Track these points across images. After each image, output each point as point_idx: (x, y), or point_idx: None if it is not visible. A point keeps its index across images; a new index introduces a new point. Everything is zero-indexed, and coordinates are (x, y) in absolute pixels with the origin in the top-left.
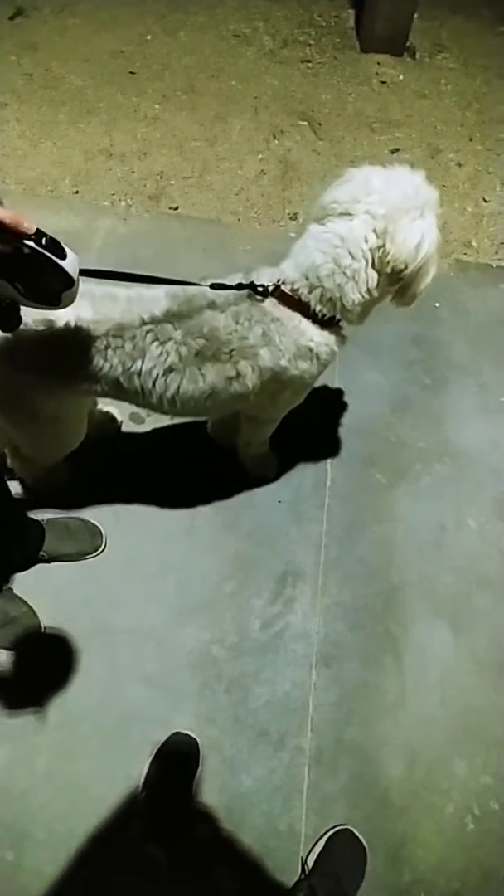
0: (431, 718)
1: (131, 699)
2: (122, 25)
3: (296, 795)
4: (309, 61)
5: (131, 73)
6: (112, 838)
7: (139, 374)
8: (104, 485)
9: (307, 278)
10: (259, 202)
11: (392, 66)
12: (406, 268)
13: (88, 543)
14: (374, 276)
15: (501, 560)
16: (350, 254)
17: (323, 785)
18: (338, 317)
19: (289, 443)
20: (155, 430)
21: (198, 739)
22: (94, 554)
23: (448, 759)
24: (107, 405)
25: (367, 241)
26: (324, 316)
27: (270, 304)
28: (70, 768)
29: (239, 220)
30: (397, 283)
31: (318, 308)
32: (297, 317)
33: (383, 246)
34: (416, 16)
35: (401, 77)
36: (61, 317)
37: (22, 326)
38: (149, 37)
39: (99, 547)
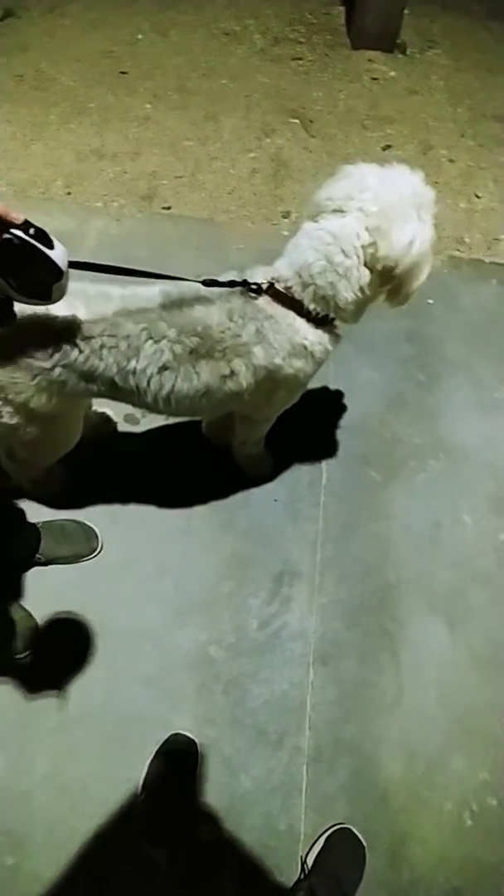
0: (429, 715)
1: (130, 700)
2: (113, 25)
3: (295, 795)
4: (300, 59)
5: (122, 73)
6: (112, 840)
7: (134, 372)
8: (99, 486)
9: (300, 276)
10: (251, 201)
11: (383, 62)
12: (396, 266)
13: (84, 546)
14: (366, 273)
15: (497, 555)
16: (342, 251)
17: (322, 784)
18: (331, 315)
19: (284, 441)
20: (150, 431)
21: (196, 740)
22: (90, 556)
23: (446, 755)
24: (101, 406)
25: (358, 237)
26: (318, 314)
27: (264, 301)
28: (69, 771)
29: (232, 218)
30: (389, 281)
31: (311, 306)
32: (291, 315)
33: (374, 243)
34: (406, 12)
35: (392, 73)
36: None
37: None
38: (139, 36)
39: (95, 549)
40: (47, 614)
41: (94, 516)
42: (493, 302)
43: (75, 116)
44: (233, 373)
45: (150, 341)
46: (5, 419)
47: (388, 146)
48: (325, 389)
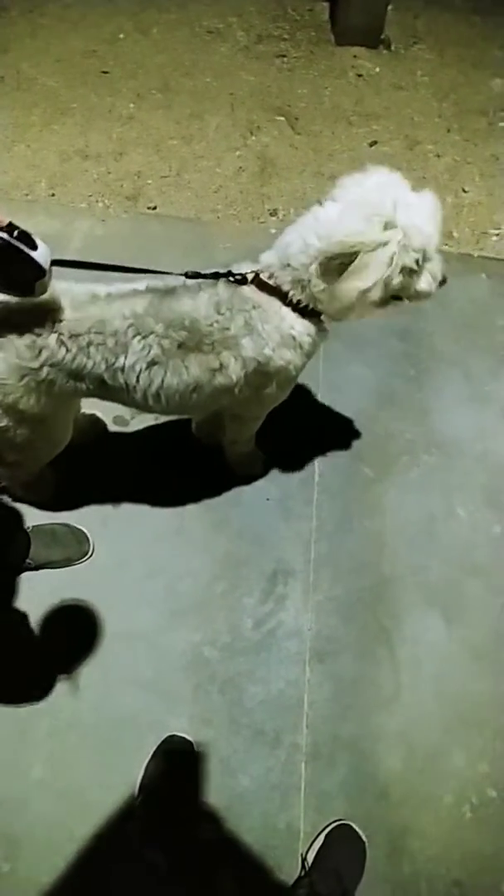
0: (427, 709)
1: (125, 703)
2: (94, 24)
3: (294, 793)
4: (284, 56)
5: (104, 72)
6: (109, 844)
7: (122, 369)
8: (90, 489)
9: (281, 260)
10: (238, 199)
11: (368, 58)
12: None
13: (75, 549)
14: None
15: (491, 548)
16: (317, 234)
17: (320, 781)
18: (310, 305)
19: (275, 439)
20: (139, 432)
21: (193, 741)
22: (81, 560)
23: (444, 749)
24: (90, 409)
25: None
26: (299, 302)
27: (250, 290)
28: (65, 775)
29: (218, 217)
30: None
31: (291, 292)
32: (277, 303)
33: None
34: (390, 7)
35: (377, 69)
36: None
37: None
38: (121, 35)
39: (86, 552)
40: (39, 619)
41: (84, 519)
42: (483, 295)
43: (58, 117)
44: (222, 366)
45: (138, 337)
46: None
47: (375, 142)
48: (315, 386)
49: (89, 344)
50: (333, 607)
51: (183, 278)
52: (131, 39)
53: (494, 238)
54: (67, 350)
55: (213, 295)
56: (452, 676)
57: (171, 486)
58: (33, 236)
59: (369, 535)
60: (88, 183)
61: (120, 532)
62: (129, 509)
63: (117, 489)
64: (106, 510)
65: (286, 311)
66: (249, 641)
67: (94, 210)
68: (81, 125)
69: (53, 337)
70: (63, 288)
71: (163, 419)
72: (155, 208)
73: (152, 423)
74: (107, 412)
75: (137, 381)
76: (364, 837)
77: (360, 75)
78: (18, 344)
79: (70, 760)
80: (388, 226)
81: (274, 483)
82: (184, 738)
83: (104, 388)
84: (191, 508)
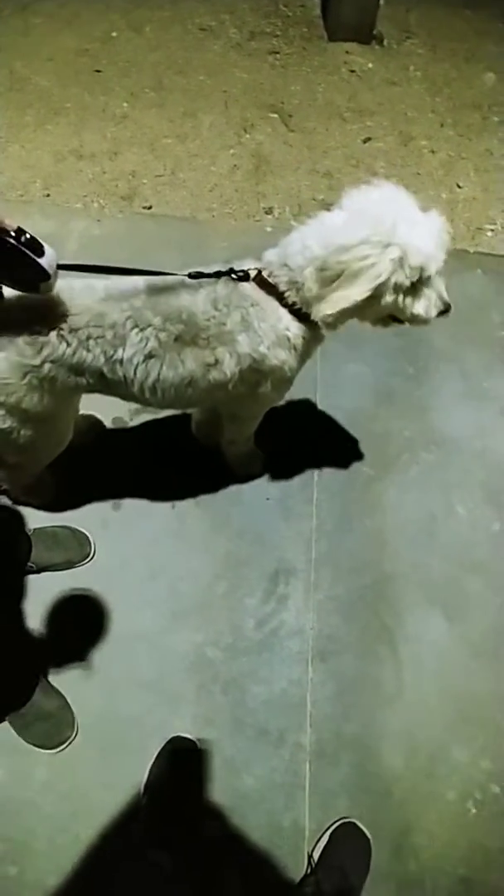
0: (429, 707)
1: (128, 705)
2: (86, 23)
3: (298, 792)
4: (277, 52)
5: (97, 71)
6: (115, 845)
7: (121, 362)
8: (90, 491)
9: (280, 259)
10: (233, 197)
11: (360, 54)
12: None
13: (77, 552)
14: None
15: (491, 545)
16: (317, 239)
17: (324, 780)
18: (303, 308)
19: (274, 439)
20: (139, 434)
21: (197, 741)
22: (83, 562)
23: (447, 746)
24: (88, 409)
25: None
26: (294, 304)
27: (250, 288)
28: (70, 778)
29: (214, 216)
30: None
31: (287, 292)
32: (275, 302)
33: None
34: (382, 2)
35: (370, 65)
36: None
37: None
38: (114, 34)
39: (88, 554)
40: (41, 622)
41: (85, 521)
42: (479, 291)
43: (52, 117)
44: (217, 361)
45: (136, 329)
46: None
47: (369, 138)
48: (313, 385)
49: (88, 337)
50: (335, 606)
51: (184, 277)
52: (124, 38)
53: (490, 234)
54: (68, 344)
55: (211, 291)
56: (454, 674)
57: (171, 486)
58: (41, 241)
59: (369, 534)
60: (83, 183)
61: (120, 533)
62: (129, 511)
63: (117, 491)
64: (106, 512)
65: (283, 311)
66: (252, 641)
67: (89, 210)
68: (75, 125)
69: (54, 332)
70: (62, 283)
71: (162, 416)
72: (150, 208)
73: (151, 423)
74: (106, 414)
75: (135, 373)
76: (369, 835)
77: (352, 71)
78: (19, 342)
79: (74, 762)
80: (383, 242)
81: (274, 483)
82: (188, 738)
83: (104, 382)
84: (191, 509)
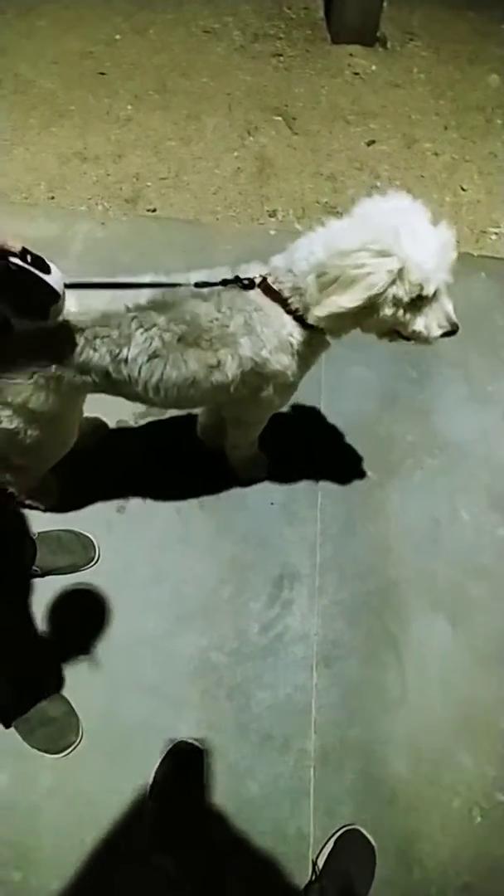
0: (434, 713)
1: (133, 709)
2: (90, 26)
3: (303, 798)
4: (280, 55)
5: (101, 73)
6: (119, 850)
7: (126, 361)
8: (94, 494)
9: (286, 265)
10: (237, 200)
11: (364, 56)
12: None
13: (81, 555)
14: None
15: (495, 551)
16: (322, 245)
17: (329, 786)
18: (304, 314)
19: (278, 443)
20: (143, 437)
21: (202, 747)
22: (87, 566)
23: (452, 752)
24: (92, 412)
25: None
26: (297, 309)
27: (255, 293)
28: (74, 783)
29: (218, 219)
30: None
31: (290, 298)
32: (279, 308)
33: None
34: (385, 4)
35: (373, 67)
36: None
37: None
38: (118, 36)
39: (92, 559)
40: (45, 627)
41: (89, 525)
42: (483, 295)
43: (56, 119)
44: (219, 363)
45: (141, 329)
46: (4, 423)
47: (373, 141)
48: (317, 389)
49: (95, 336)
50: (339, 611)
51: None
52: (128, 40)
53: (494, 237)
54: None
55: (216, 294)
56: (459, 680)
57: (176, 490)
58: (46, 260)
59: (374, 539)
60: (88, 185)
61: (125, 537)
62: (133, 514)
63: (122, 495)
64: (111, 515)
65: (287, 317)
66: (256, 646)
67: (93, 213)
68: (80, 127)
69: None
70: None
71: (166, 417)
72: (154, 210)
73: (156, 426)
74: (110, 417)
75: (139, 373)
76: (374, 842)
77: (356, 73)
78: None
79: (79, 767)
80: (383, 253)
81: (278, 487)
82: (192, 743)
83: (109, 381)
84: (195, 513)
